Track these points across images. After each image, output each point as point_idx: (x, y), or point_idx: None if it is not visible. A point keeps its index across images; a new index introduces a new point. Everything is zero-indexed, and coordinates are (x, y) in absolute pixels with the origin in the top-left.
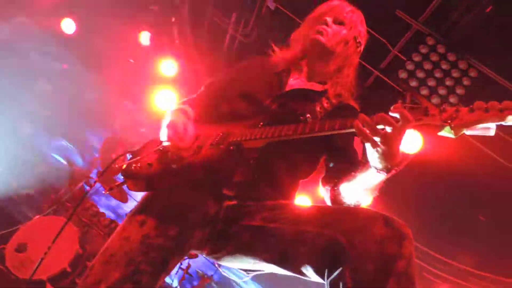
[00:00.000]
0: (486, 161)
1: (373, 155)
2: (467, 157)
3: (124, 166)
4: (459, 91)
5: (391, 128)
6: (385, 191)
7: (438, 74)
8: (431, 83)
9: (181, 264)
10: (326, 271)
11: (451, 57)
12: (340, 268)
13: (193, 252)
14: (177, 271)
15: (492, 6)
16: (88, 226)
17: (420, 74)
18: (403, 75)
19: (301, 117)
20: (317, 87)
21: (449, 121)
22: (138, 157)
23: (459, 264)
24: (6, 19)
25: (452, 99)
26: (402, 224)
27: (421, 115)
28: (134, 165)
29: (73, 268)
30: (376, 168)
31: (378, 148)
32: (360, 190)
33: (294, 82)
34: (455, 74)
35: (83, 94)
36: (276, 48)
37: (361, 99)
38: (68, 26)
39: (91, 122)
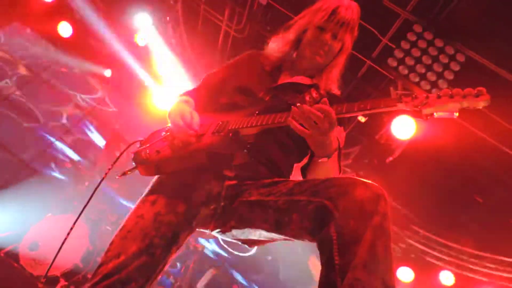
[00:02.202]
0: (479, 144)
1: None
2: (460, 141)
3: (135, 153)
4: (448, 76)
5: (324, 119)
6: (383, 178)
7: (427, 61)
8: (421, 69)
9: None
10: (316, 231)
11: (439, 43)
12: (327, 227)
13: (200, 229)
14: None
15: None
16: (97, 223)
17: (410, 61)
18: (393, 63)
19: (292, 106)
20: (306, 80)
21: (419, 107)
22: (147, 145)
23: (460, 246)
24: None
25: (441, 84)
26: (379, 187)
27: (395, 102)
28: (144, 152)
29: (84, 263)
30: (317, 156)
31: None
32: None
33: (285, 75)
34: (443, 59)
35: None
36: (269, 41)
37: (354, 88)
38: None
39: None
